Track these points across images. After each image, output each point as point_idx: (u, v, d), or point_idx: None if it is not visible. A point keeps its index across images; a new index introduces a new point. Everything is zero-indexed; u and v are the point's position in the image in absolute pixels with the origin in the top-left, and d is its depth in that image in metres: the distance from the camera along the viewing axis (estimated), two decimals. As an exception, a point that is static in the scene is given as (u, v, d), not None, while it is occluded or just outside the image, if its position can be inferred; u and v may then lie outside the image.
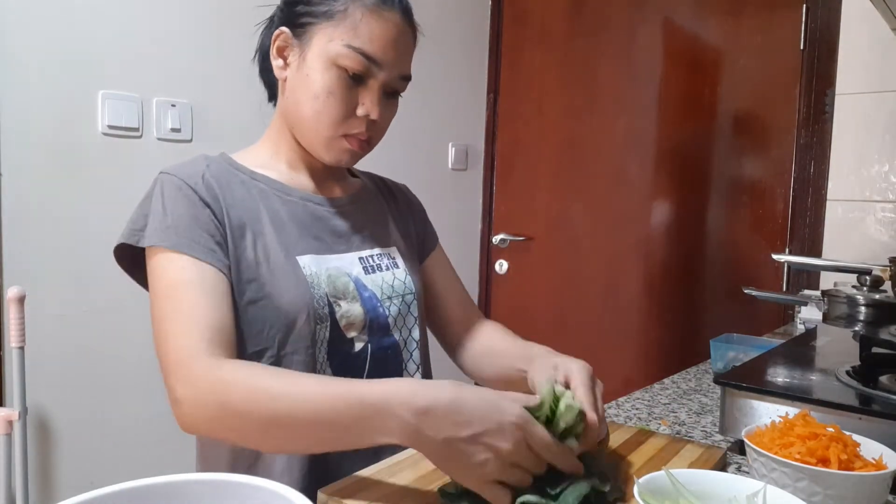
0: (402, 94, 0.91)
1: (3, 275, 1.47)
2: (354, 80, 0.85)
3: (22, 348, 1.43)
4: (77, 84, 1.55)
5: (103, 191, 1.59)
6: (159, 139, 1.69)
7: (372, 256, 0.95)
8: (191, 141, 1.74)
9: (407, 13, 0.89)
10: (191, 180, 0.83)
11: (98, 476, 1.60)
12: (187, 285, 0.77)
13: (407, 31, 0.88)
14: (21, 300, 1.41)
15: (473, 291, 2.55)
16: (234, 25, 1.82)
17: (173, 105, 1.71)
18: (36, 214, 1.51)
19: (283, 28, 0.88)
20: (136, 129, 1.65)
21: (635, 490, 0.57)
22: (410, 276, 0.98)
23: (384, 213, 1.03)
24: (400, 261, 0.99)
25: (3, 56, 1.45)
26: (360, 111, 0.86)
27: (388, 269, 0.96)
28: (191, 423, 0.73)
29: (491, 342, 1.01)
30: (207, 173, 0.85)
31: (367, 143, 0.89)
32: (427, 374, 1.00)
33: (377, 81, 0.86)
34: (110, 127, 1.60)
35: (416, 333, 0.97)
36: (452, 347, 1.06)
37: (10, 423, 1.42)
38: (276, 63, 0.89)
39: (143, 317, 0.82)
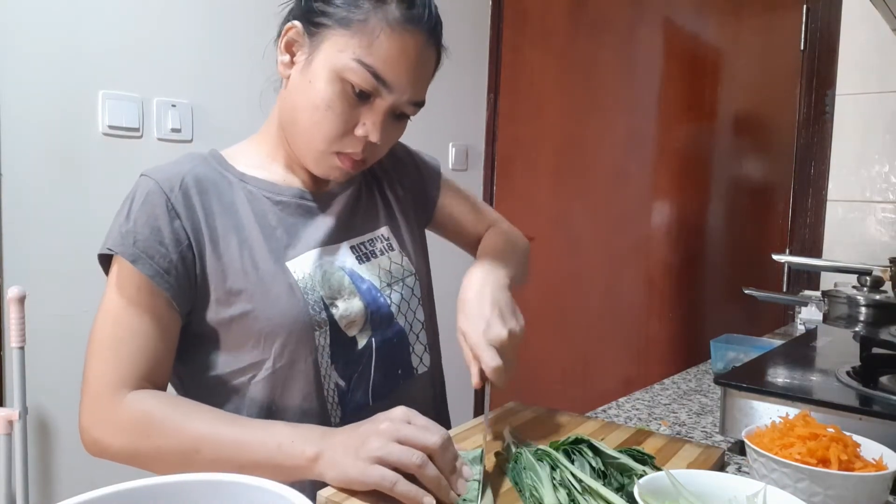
0: (411, 117, 0.84)
1: (4, 275, 1.47)
2: (359, 98, 0.78)
3: (22, 348, 1.43)
4: (77, 84, 1.55)
5: (103, 191, 1.59)
6: (159, 139, 1.69)
7: (363, 244, 0.90)
8: (191, 141, 1.74)
9: (433, 34, 0.80)
10: (166, 184, 0.79)
11: (98, 476, 1.59)
12: (135, 312, 0.76)
13: (428, 53, 0.80)
14: (21, 300, 1.41)
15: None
16: (235, 25, 1.82)
17: (173, 105, 1.71)
18: (36, 214, 1.51)
19: (296, 22, 0.80)
20: (137, 130, 1.65)
21: (635, 490, 0.57)
22: (407, 256, 0.94)
23: (372, 189, 0.97)
24: (394, 241, 0.94)
25: (3, 56, 1.45)
26: (359, 131, 0.79)
27: (382, 253, 0.91)
28: (97, 452, 0.76)
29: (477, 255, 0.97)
30: (189, 177, 0.81)
31: (362, 162, 0.84)
32: (435, 353, 0.96)
33: (384, 103, 0.79)
34: (110, 127, 1.60)
35: (420, 315, 0.93)
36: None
37: (11, 423, 1.42)
38: (282, 58, 0.81)
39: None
